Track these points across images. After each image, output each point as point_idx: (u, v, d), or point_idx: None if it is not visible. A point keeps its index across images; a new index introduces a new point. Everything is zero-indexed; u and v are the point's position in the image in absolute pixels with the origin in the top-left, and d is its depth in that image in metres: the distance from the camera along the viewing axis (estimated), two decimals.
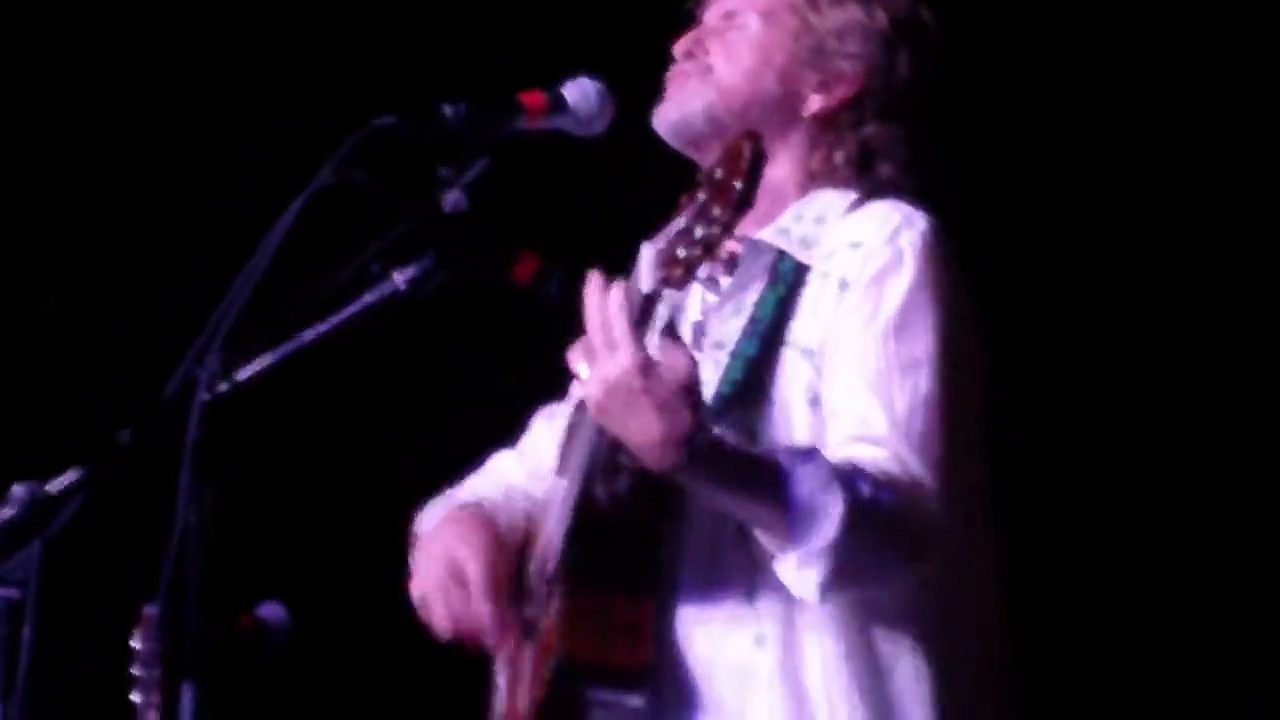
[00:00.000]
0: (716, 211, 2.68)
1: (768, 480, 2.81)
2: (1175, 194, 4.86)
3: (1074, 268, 4.91)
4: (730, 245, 2.72)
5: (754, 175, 2.68)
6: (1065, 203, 4.89)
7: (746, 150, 2.68)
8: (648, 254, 2.73)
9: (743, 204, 2.67)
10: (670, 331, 2.79)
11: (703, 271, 2.72)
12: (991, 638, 3.08)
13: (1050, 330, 4.85)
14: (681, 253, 2.70)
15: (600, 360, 2.74)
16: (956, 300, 3.04)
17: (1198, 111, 4.84)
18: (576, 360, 2.80)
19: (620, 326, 2.73)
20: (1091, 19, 4.85)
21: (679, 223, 2.74)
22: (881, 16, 3.19)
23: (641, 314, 2.75)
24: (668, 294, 2.78)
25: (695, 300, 3.17)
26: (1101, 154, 4.89)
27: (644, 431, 2.75)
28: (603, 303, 2.75)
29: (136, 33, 5.38)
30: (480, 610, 3.11)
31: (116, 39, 5.39)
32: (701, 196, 2.72)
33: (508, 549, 3.18)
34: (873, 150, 3.18)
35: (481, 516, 3.20)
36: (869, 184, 3.16)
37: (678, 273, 2.70)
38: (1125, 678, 4.87)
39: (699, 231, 2.69)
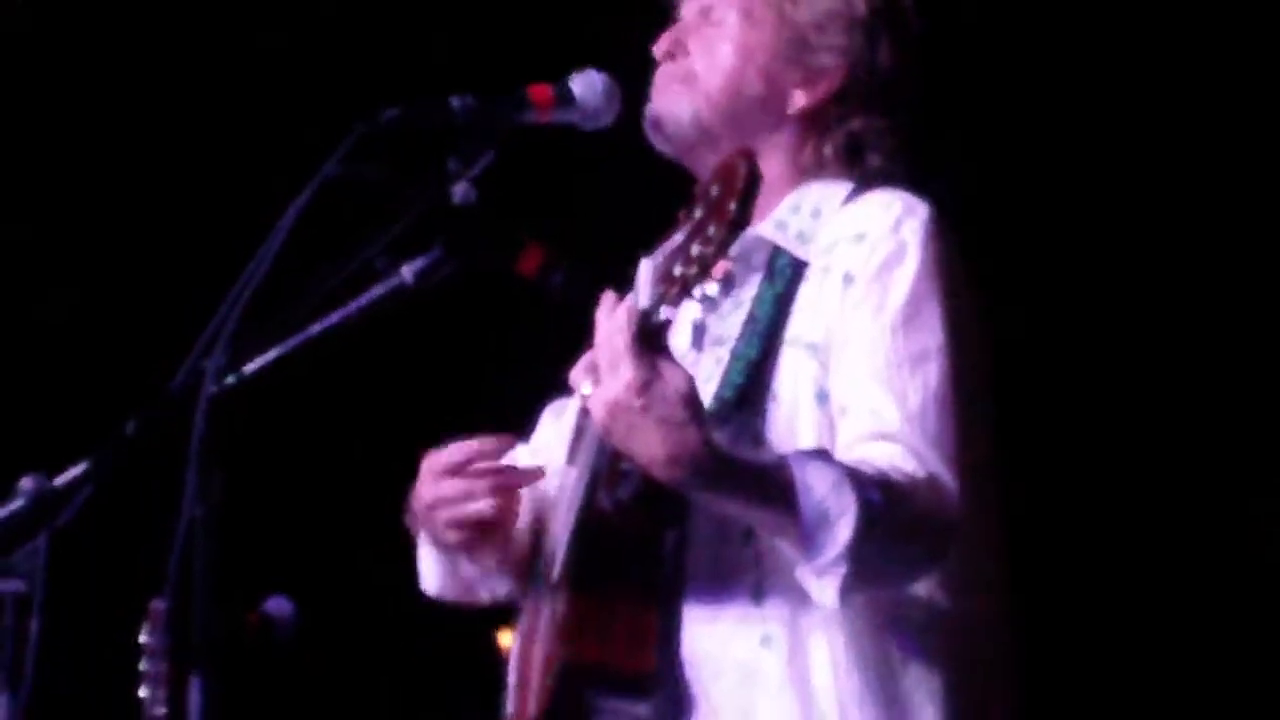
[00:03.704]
0: (711, 230, 2.66)
1: (778, 489, 2.77)
2: (1177, 191, 4.87)
3: (1077, 261, 4.91)
4: (725, 264, 2.68)
5: (749, 195, 2.65)
6: (1073, 197, 4.90)
7: (742, 169, 2.66)
8: (646, 269, 2.71)
9: (737, 224, 2.65)
10: (665, 347, 2.76)
11: (698, 290, 2.68)
12: (1001, 632, 3.05)
13: (1051, 325, 4.86)
14: (678, 270, 2.68)
15: (603, 379, 2.72)
16: (960, 287, 3.01)
17: (1197, 105, 4.84)
18: (579, 378, 2.78)
19: (622, 344, 2.70)
20: (1087, 14, 4.86)
21: (676, 238, 2.73)
22: (860, 4, 3.15)
23: (644, 331, 2.72)
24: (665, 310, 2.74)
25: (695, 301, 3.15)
26: (1103, 149, 4.90)
27: (648, 450, 2.72)
28: (609, 320, 2.73)
29: (141, 31, 5.39)
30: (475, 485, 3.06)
31: (121, 38, 5.40)
32: (698, 213, 2.70)
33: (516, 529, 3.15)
34: (861, 142, 3.15)
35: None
36: (860, 174, 3.14)
37: (674, 290, 2.68)
38: (1133, 674, 4.88)
39: (695, 249, 2.67)
